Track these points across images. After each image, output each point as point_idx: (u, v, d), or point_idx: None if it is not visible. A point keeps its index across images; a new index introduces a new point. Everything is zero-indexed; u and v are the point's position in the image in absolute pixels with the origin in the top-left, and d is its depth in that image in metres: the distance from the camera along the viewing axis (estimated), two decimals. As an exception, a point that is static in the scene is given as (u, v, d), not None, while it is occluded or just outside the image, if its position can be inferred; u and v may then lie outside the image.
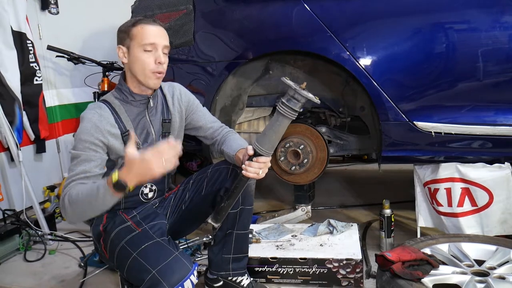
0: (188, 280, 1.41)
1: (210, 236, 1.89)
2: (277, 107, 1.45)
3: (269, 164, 1.55)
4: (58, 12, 3.32)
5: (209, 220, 1.63)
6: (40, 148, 3.08)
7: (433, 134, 1.99)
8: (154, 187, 1.76)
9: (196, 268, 1.47)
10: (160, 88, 1.78)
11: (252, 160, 1.52)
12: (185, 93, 1.82)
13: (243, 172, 1.53)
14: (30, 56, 2.88)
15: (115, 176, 1.34)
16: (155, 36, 1.58)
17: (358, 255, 1.88)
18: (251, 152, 1.52)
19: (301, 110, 1.46)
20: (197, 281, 1.48)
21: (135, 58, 1.59)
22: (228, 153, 1.69)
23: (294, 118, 1.45)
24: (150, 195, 1.76)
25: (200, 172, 1.81)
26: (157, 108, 1.72)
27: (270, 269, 1.93)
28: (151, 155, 1.32)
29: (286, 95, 1.43)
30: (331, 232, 2.12)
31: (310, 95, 1.42)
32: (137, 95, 1.65)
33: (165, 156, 1.33)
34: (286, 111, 1.43)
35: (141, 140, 1.66)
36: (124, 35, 1.62)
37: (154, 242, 1.53)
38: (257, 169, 1.51)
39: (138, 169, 1.33)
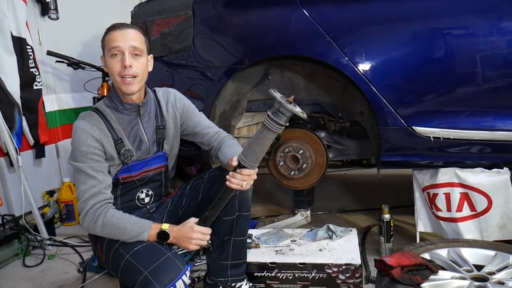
0: (180, 280, 1.42)
1: (209, 241, 1.89)
2: (262, 120, 1.42)
3: (255, 177, 1.53)
4: (58, 18, 3.33)
5: None
6: (40, 153, 3.08)
7: (432, 139, 1.99)
8: (150, 192, 1.75)
9: (188, 268, 1.48)
10: (155, 94, 1.78)
11: (236, 172, 1.50)
12: (180, 98, 1.81)
13: (227, 183, 1.51)
14: (30, 61, 2.88)
15: (165, 226, 1.57)
16: (118, 39, 1.56)
17: (357, 260, 1.88)
18: (235, 163, 1.52)
19: (287, 124, 1.42)
20: (189, 281, 1.49)
21: (107, 65, 1.60)
22: (222, 160, 1.68)
23: (280, 132, 1.42)
24: (147, 200, 1.76)
25: (197, 178, 1.81)
26: (150, 115, 1.72)
27: (270, 274, 1.92)
28: (199, 231, 1.57)
29: (272, 107, 1.40)
30: (331, 237, 2.12)
31: (297, 109, 1.38)
32: (127, 104, 1.64)
33: (205, 239, 1.60)
34: (271, 124, 1.40)
35: (134, 148, 1.66)
36: (101, 45, 1.63)
37: (146, 244, 1.54)
38: (240, 181, 1.49)
39: (184, 233, 1.57)
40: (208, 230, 1.61)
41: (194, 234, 1.57)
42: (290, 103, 1.38)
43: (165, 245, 1.58)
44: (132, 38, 1.58)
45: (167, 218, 1.78)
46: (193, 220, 1.60)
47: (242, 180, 1.50)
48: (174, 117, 1.78)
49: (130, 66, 1.55)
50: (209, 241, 1.74)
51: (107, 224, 1.53)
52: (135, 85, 1.59)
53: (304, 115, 1.42)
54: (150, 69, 1.68)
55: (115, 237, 1.55)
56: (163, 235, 1.55)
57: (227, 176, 1.52)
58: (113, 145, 1.61)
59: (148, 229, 1.54)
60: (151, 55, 1.69)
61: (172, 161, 1.83)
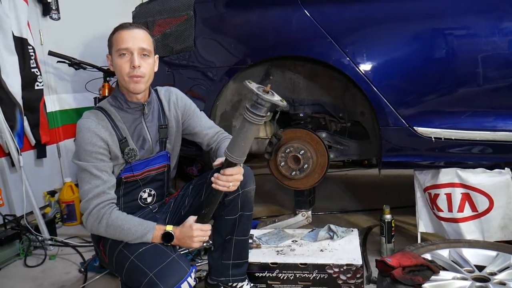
0: (186, 282, 1.42)
1: (210, 242, 1.90)
2: (243, 113, 1.39)
3: (240, 178, 1.52)
4: (59, 18, 3.33)
5: None
6: (41, 153, 3.08)
7: (433, 139, 1.99)
8: (153, 192, 1.76)
9: (193, 270, 1.48)
10: (157, 93, 1.78)
11: (219, 172, 1.49)
12: (182, 97, 1.82)
13: (213, 185, 1.51)
14: (31, 61, 2.88)
15: (169, 227, 1.56)
16: (127, 40, 1.57)
17: (358, 261, 1.88)
18: (216, 163, 1.51)
19: (267, 114, 1.38)
20: (194, 283, 1.48)
21: (115, 64, 1.61)
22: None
23: (262, 123, 1.39)
24: (149, 199, 1.76)
25: (199, 178, 1.81)
26: (153, 114, 1.72)
27: (271, 275, 1.92)
28: (199, 228, 1.57)
29: (250, 100, 1.37)
30: (332, 238, 2.12)
31: (275, 98, 1.34)
32: (132, 103, 1.65)
33: (205, 235, 1.59)
34: (252, 118, 1.36)
35: (138, 147, 1.67)
36: (108, 44, 1.64)
37: (151, 245, 1.54)
38: (225, 182, 1.49)
39: (185, 233, 1.57)
40: (207, 226, 1.60)
41: (195, 232, 1.56)
42: (267, 92, 1.34)
43: (169, 246, 1.58)
44: (141, 39, 1.60)
45: (170, 218, 1.78)
46: (191, 218, 1.60)
47: (227, 181, 1.49)
48: (176, 116, 1.78)
49: (139, 66, 1.57)
50: (210, 242, 1.74)
51: (111, 225, 1.53)
52: (142, 85, 1.60)
53: (284, 103, 1.38)
54: (156, 69, 1.70)
55: (119, 238, 1.55)
56: (167, 237, 1.55)
57: (212, 178, 1.51)
58: (118, 144, 1.61)
59: (152, 231, 1.54)
60: (157, 56, 1.70)
61: (174, 161, 1.84)
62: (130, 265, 1.50)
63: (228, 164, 1.48)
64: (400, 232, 2.45)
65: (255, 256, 1.96)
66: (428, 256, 1.78)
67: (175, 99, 1.79)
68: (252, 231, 2.07)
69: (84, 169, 1.55)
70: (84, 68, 3.19)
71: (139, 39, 1.59)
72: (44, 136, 3.03)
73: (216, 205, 1.59)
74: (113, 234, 1.55)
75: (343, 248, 2.02)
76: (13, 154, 2.62)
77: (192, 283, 1.45)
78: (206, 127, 1.84)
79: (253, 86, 1.36)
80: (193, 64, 2.31)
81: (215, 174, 1.51)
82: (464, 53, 1.93)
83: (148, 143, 1.70)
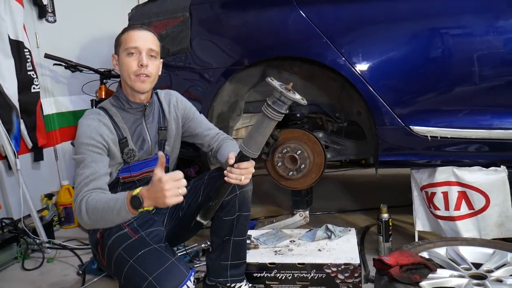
0: (185, 286, 1.41)
1: (209, 243, 1.90)
2: (262, 109, 1.41)
3: (252, 170, 1.53)
4: (55, 21, 3.33)
5: (198, 218, 1.63)
6: (38, 156, 3.08)
7: (429, 138, 2.00)
8: None
9: (193, 274, 1.47)
10: (157, 95, 1.79)
11: (233, 167, 1.50)
12: (182, 100, 1.83)
13: (225, 178, 1.51)
14: (28, 64, 2.88)
15: (136, 191, 1.36)
16: (137, 39, 1.59)
17: (356, 260, 1.88)
18: (231, 161, 1.51)
19: (287, 111, 1.41)
20: (193, 287, 1.48)
21: (121, 63, 1.62)
22: (220, 160, 1.69)
23: (281, 119, 1.42)
24: None
25: (197, 179, 1.82)
26: (153, 115, 1.73)
27: (269, 275, 1.93)
28: (170, 178, 1.30)
29: (272, 97, 1.39)
30: (329, 237, 2.13)
31: (297, 97, 1.38)
32: (134, 103, 1.66)
33: (180, 185, 1.32)
34: (272, 114, 1.39)
35: (137, 147, 1.67)
36: (116, 43, 1.66)
37: (150, 248, 1.53)
38: (238, 175, 1.49)
39: (155, 190, 1.32)
40: (179, 174, 1.34)
41: (166, 184, 1.30)
42: (289, 90, 1.37)
43: (168, 250, 1.57)
44: (150, 41, 1.62)
45: (168, 220, 1.78)
46: (158, 171, 1.33)
47: (240, 174, 1.49)
48: (176, 119, 1.79)
49: (146, 65, 1.59)
50: (209, 243, 1.73)
51: (89, 209, 1.42)
52: (147, 84, 1.62)
53: (304, 101, 1.40)
54: (160, 72, 1.71)
55: (103, 220, 1.43)
56: (134, 202, 1.35)
57: (225, 172, 1.51)
58: (117, 143, 1.61)
59: (124, 200, 1.38)
60: (161, 60, 1.72)
61: (172, 164, 1.84)
62: (129, 269, 1.49)
63: (242, 158, 1.49)
64: (398, 231, 2.46)
65: (253, 257, 1.97)
66: (425, 254, 1.78)
67: (175, 102, 1.80)
68: (250, 232, 2.08)
69: (79, 161, 1.52)
70: (81, 71, 3.19)
71: (148, 40, 1.62)
72: (41, 139, 3.03)
73: (223, 198, 1.60)
74: (96, 219, 1.43)
75: (341, 248, 2.02)
76: (10, 157, 2.61)
77: (192, 286, 1.45)
78: (207, 128, 1.85)
79: (276, 83, 1.38)
80: (190, 66, 2.32)
81: (228, 168, 1.51)
82: (459, 52, 1.94)
83: (147, 144, 1.70)
